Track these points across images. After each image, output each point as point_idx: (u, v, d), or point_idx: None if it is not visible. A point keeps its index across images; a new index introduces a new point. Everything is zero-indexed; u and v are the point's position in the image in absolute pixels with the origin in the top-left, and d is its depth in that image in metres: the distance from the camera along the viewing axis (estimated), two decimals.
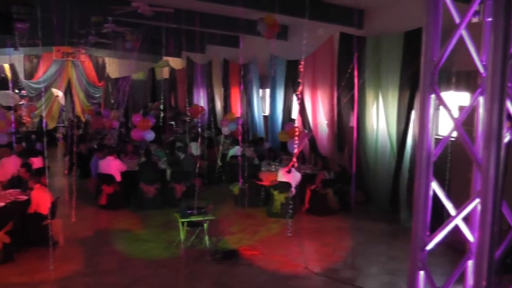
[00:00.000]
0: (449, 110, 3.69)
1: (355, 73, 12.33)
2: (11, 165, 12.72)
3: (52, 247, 9.23)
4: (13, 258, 9.42)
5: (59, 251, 9.81)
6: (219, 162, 16.31)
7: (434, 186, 3.80)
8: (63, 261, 9.36)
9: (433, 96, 3.63)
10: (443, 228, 3.82)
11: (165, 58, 26.35)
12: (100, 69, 30.97)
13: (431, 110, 3.62)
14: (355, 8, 13.19)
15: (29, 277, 8.70)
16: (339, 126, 14.09)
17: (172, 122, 24.05)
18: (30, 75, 29.43)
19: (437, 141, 3.83)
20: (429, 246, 3.91)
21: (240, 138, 14.00)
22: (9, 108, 22.18)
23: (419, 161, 3.71)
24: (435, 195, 3.90)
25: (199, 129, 17.72)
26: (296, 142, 11.58)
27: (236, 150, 15.23)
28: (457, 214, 3.72)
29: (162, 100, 23.03)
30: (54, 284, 8.47)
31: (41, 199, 10.01)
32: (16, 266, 9.19)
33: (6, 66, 27.07)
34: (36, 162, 13.10)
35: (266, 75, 18.25)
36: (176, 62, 27.25)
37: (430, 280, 3.93)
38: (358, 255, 9.86)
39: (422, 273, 3.95)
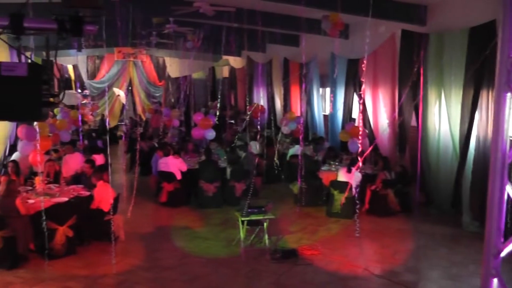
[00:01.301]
0: None
1: (421, 71, 12.08)
2: (75, 162, 13.05)
3: (114, 241, 9.40)
4: (76, 251, 9.71)
5: (120, 246, 9.99)
6: (276, 161, 16.25)
7: (509, 189, 3.62)
8: (124, 256, 9.55)
9: (509, 94, 3.47)
10: None
11: (225, 57, 26.51)
12: (160, 69, 31.44)
13: (507, 109, 3.46)
14: (418, 4, 12.89)
15: (91, 270, 8.93)
16: (400, 125, 13.83)
17: (232, 121, 24.18)
18: (92, 75, 30.17)
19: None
20: (504, 253, 3.72)
21: (300, 137, 13.92)
22: (71, 107, 22.76)
23: (493, 163, 3.53)
24: None
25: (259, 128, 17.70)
26: (361, 142, 11.44)
27: (296, 149, 15.14)
28: None
29: (219, 99, 23.16)
30: (115, 278, 8.64)
31: (103, 195, 10.23)
32: (79, 259, 9.46)
33: (70, 67, 27.77)
34: (98, 159, 13.40)
35: (326, 74, 18.11)
36: (236, 61, 27.38)
37: None
38: (419, 259, 9.66)
39: (495, 280, 3.77)
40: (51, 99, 4.37)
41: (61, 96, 4.40)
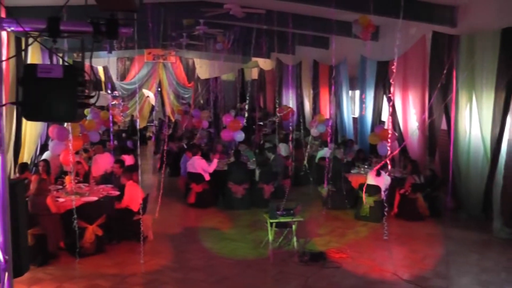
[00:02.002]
0: None
1: (453, 73, 11.96)
2: (104, 162, 13.21)
3: (142, 241, 9.49)
4: (105, 250, 9.84)
5: (149, 246, 10.10)
6: (305, 163, 16.21)
7: None
8: (152, 255, 9.64)
9: None
10: None
11: (254, 59, 26.55)
12: (190, 70, 31.65)
13: None
14: (449, 5, 12.73)
15: (120, 269, 9.03)
16: (430, 129, 13.69)
17: (261, 123, 24.21)
18: (122, 76, 30.51)
19: None
20: None
21: (329, 139, 13.87)
22: (101, 107, 23.05)
23: None
24: None
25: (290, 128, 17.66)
26: (390, 145, 11.36)
27: (325, 152, 15.11)
28: None
29: (247, 101, 23.22)
30: (144, 277, 8.72)
31: (133, 195, 10.33)
32: (108, 257, 9.58)
33: (100, 68, 28.14)
34: (128, 160, 13.52)
35: (355, 76, 18.03)
36: (265, 63, 27.41)
37: None
38: (448, 264, 9.54)
39: None
40: (86, 101, 4.45)
41: (95, 98, 4.47)
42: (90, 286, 8.29)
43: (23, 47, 11.67)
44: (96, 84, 27.39)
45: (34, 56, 13.49)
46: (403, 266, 9.41)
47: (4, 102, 4.54)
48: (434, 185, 12.73)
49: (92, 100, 4.49)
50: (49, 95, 4.08)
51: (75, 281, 8.46)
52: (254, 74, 30.33)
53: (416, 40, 14.01)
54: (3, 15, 4.51)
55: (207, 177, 13.42)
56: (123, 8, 4.31)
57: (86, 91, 4.44)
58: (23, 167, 11.33)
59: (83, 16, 4.35)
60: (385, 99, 16.18)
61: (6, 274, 4.75)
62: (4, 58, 4.56)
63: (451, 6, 12.75)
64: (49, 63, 13.37)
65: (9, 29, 4.52)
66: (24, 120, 12.66)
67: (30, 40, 4.41)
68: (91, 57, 4.42)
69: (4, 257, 4.66)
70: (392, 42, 11.46)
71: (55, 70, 4.08)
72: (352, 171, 13.65)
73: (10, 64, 11.63)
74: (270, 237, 10.27)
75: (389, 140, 11.51)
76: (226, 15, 14.34)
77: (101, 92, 27.12)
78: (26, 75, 4.18)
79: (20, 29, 4.37)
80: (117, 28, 4.29)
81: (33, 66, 4.14)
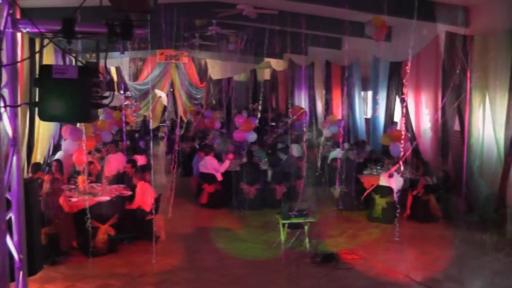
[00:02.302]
0: None
1: (467, 74, 11.89)
2: (117, 162, 13.25)
3: (154, 241, 9.52)
4: (117, 249, 9.90)
5: (161, 246, 10.12)
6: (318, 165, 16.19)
7: None
8: (164, 256, 9.68)
9: None
10: None
11: (266, 59, 26.51)
12: (202, 71, 31.67)
13: None
14: (462, 6, 12.64)
15: (132, 269, 9.08)
16: (443, 130, 13.62)
17: (273, 123, 24.18)
18: (135, 77, 30.59)
19: None
20: None
21: (341, 140, 13.84)
22: (114, 108, 23.15)
23: None
24: None
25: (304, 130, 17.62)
26: (403, 146, 11.33)
27: (337, 153, 15.07)
28: None
29: (260, 101, 23.16)
30: (156, 277, 8.76)
31: (145, 195, 10.36)
32: (120, 257, 9.64)
33: (113, 69, 28.21)
34: (140, 160, 13.56)
35: (368, 77, 17.97)
36: (278, 64, 27.36)
37: None
38: (460, 267, 9.47)
39: None
40: (100, 101, 4.47)
41: (109, 99, 4.49)
42: (102, 286, 8.34)
43: (37, 48, 11.72)
44: (109, 85, 27.52)
45: (47, 56, 13.55)
46: (415, 268, 9.38)
47: (19, 102, 4.57)
48: (447, 186, 12.66)
49: (106, 101, 4.51)
50: (64, 96, 4.10)
51: (87, 280, 8.52)
52: (266, 74, 30.28)
53: (429, 40, 13.93)
54: (18, 16, 4.54)
55: (219, 178, 13.44)
56: (138, 9, 4.33)
57: (100, 91, 4.46)
58: (36, 167, 11.39)
59: (97, 17, 4.38)
60: (397, 100, 16.11)
61: (21, 272, 4.79)
62: (19, 59, 4.58)
63: (464, 7, 12.67)
64: (62, 63, 13.42)
65: (24, 30, 4.56)
66: (37, 120, 12.73)
67: (45, 41, 4.43)
68: (106, 58, 4.44)
69: (19, 256, 4.70)
70: (405, 43, 11.42)
71: (70, 71, 4.11)
72: (364, 172, 13.61)
73: (24, 65, 11.69)
74: (282, 238, 10.28)
75: (401, 141, 11.47)
76: (238, 15, 14.33)
77: (116, 93, 27.24)
78: (42, 75, 4.21)
79: (35, 30, 4.40)
80: (132, 29, 4.32)
81: (49, 67, 4.17)
